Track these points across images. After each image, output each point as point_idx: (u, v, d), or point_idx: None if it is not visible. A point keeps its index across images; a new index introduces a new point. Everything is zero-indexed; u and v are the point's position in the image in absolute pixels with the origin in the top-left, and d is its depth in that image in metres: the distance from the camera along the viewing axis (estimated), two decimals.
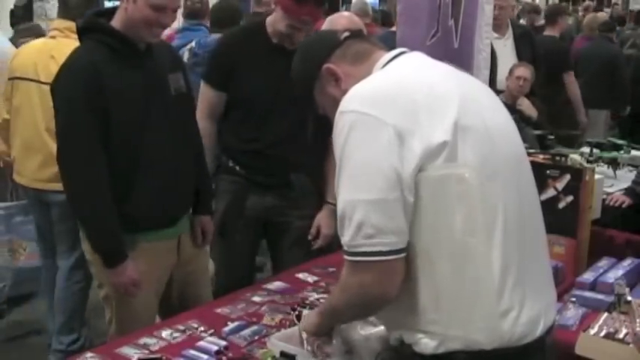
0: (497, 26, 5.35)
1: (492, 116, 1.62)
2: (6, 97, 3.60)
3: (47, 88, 3.27)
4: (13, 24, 5.93)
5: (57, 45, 3.43)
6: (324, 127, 2.81)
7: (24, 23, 5.60)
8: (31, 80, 3.47)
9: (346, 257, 1.54)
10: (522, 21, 9.60)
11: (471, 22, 3.05)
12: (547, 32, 6.57)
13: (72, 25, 3.36)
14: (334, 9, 7.72)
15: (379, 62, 1.68)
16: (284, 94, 2.77)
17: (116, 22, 2.41)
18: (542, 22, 9.04)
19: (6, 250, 3.88)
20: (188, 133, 2.61)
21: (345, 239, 1.52)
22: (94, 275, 2.61)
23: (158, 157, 2.45)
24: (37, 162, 3.46)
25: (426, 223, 1.51)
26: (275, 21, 2.80)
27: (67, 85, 2.38)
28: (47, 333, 3.79)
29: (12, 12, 5.98)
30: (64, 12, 3.53)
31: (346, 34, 1.75)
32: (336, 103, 1.64)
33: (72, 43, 3.40)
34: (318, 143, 2.86)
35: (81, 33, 2.49)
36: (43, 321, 3.97)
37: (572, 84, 6.26)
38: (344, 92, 1.64)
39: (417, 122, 1.50)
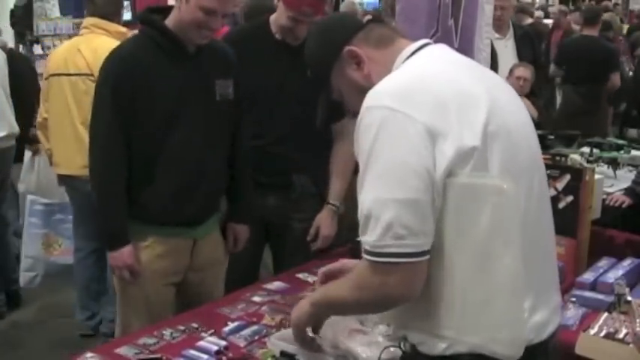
0: (499, 27, 5.36)
1: (514, 118, 1.59)
2: (44, 98, 3.84)
3: (76, 79, 3.61)
4: (13, 24, 5.93)
5: (84, 40, 3.73)
6: (329, 124, 2.84)
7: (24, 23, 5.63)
8: (62, 74, 3.69)
9: (369, 258, 1.47)
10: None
11: (471, 22, 3.04)
12: (586, 32, 6.58)
13: (99, 21, 3.71)
14: (335, 9, 7.70)
15: (404, 52, 1.62)
16: (288, 90, 2.77)
17: (170, 21, 2.45)
18: (529, 20, 9.08)
19: (40, 242, 4.20)
20: (225, 141, 2.60)
21: (370, 239, 1.46)
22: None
23: (181, 158, 2.46)
24: (71, 150, 3.63)
25: (450, 227, 1.47)
26: (278, 16, 2.81)
27: (103, 71, 2.47)
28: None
29: (12, 12, 5.97)
30: (92, 10, 3.78)
31: (368, 17, 1.72)
32: (355, 87, 1.60)
33: (97, 37, 3.68)
34: (323, 143, 2.85)
35: (141, 25, 2.58)
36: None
37: (617, 84, 6.42)
38: (366, 77, 1.61)
39: (447, 122, 1.46)
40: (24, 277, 4.33)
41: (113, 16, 3.79)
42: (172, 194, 2.47)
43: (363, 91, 1.60)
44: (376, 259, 1.46)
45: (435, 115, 1.46)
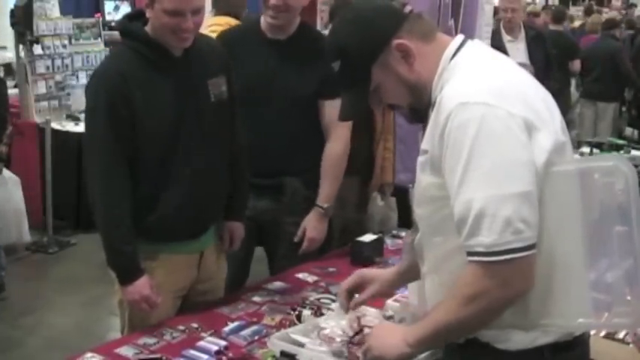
0: (510, 28, 5.40)
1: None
2: None
3: None
4: (13, 24, 5.91)
5: None
6: (320, 129, 2.81)
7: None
8: None
9: (486, 259, 1.41)
10: None
11: (471, 22, 3.05)
12: (552, 27, 7.34)
13: (230, 20, 3.71)
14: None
15: (449, 48, 1.57)
16: (278, 87, 2.73)
17: (149, 28, 2.30)
18: None
19: None
20: (225, 142, 2.49)
21: (486, 239, 1.40)
22: (113, 279, 2.47)
23: (187, 170, 2.35)
24: None
25: (553, 215, 1.45)
26: None
27: (92, 93, 2.31)
28: None
29: (12, 12, 5.96)
30: (224, 7, 3.85)
31: (409, 7, 1.61)
32: (401, 81, 1.56)
33: None
34: (315, 145, 2.82)
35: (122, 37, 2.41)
36: None
37: (577, 68, 7.49)
38: (414, 72, 1.56)
39: (539, 115, 1.47)
40: None
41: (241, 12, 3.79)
42: (178, 207, 2.36)
43: (409, 85, 1.58)
44: (495, 259, 1.40)
45: (527, 109, 1.46)
